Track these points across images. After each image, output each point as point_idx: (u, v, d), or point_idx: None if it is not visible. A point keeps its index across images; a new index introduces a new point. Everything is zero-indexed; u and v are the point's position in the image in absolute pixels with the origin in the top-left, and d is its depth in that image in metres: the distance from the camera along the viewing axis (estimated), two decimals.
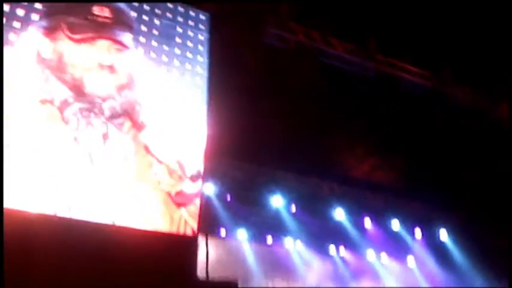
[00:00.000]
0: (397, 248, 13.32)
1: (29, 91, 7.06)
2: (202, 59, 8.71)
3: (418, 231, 13.23)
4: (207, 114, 8.49)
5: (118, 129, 7.59)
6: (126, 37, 7.96)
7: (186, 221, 8.00)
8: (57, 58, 7.39)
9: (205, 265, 8.91)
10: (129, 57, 7.93)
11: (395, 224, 12.74)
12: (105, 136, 7.42)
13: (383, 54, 9.60)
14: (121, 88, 7.67)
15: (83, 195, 7.14)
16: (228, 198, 9.98)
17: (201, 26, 8.93)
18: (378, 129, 10.51)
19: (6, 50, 7.04)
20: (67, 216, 6.95)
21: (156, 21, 8.59)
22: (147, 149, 7.75)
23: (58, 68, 7.33)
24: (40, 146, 6.95)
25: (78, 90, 7.32)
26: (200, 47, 8.80)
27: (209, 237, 9.21)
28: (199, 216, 8.21)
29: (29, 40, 7.35)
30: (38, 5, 7.57)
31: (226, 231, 10.84)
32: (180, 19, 8.78)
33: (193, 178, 8.04)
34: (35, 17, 7.50)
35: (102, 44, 7.63)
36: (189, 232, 8.10)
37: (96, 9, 7.78)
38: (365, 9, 9.03)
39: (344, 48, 9.16)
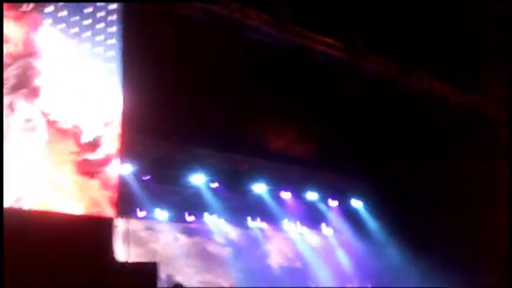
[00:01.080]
0: (314, 217, 13.68)
1: None
2: (115, 30, 8.29)
3: (333, 202, 13.61)
4: (121, 91, 8.15)
5: (24, 99, 7.24)
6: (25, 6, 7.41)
7: (99, 195, 7.74)
8: None
9: (124, 247, 8.60)
10: (28, 25, 7.43)
11: (312, 195, 13.02)
12: (11, 107, 7.03)
13: (298, 26, 9.56)
14: (18, 56, 7.24)
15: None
16: (147, 178, 9.62)
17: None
18: (293, 101, 10.55)
19: None
20: None
21: None
22: (46, 115, 7.40)
23: None
24: None
25: None
26: (112, 17, 8.33)
27: (128, 219, 8.89)
28: (118, 197, 7.98)
29: None
30: None
31: (146, 211, 10.53)
32: None
33: (93, 146, 7.74)
34: None
35: None
36: (106, 209, 7.84)
37: None
38: None
39: (260, 19, 9.03)
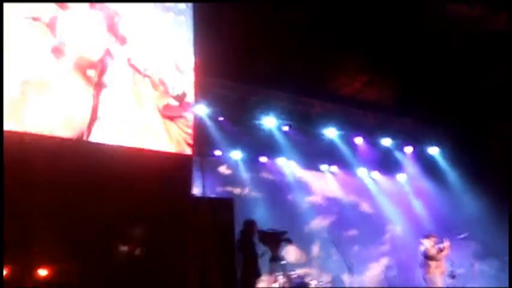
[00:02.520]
0: (388, 165, 13.61)
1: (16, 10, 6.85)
2: None
3: (408, 148, 13.44)
4: (195, 36, 8.45)
5: (119, 44, 7.71)
6: None
7: (179, 137, 8.16)
8: None
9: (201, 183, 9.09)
10: None
11: (386, 142, 12.91)
12: (108, 53, 7.54)
13: None
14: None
15: (83, 114, 7.26)
16: (221, 119, 10.01)
17: None
18: (368, 44, 10.39)
19: None
20: (68, 136, 7.10)
21: None
22: (129, 61, 7.82)
23: None
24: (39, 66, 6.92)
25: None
26: None
27: (204, 158, 9.35)
28: (194, 137, 8.37)
29: None
30: None
31: (221, 151, 10.99)
32: None
33: (177, 98, 8.12)
34: None
35: None
36: (184, 149, 8.28)
37: None
38: None
39: None
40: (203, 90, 9.09)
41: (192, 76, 8.54)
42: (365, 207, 13.39)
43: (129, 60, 7.84)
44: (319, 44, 10.17)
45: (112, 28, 7.76)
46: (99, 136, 7.38)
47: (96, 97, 7.37)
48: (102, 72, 7.51)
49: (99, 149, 7.36)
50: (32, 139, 6.73)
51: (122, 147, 7.62)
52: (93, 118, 7.29)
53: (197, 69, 8.58)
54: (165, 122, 8.11)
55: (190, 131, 8.38)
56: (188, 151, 8.35)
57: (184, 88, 8.42)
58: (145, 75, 7.96)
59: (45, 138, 6.84)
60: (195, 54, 8.57)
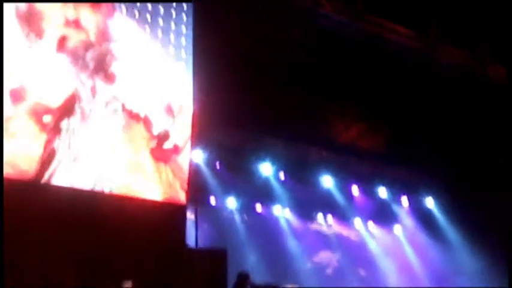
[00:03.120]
0: (384, 215, 13.39)
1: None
2: (186, 19, 8.52)
3: (404, 199, 13.27)
4: (193, 82, 8.34)
5: (104, 83, 7.47)
6: None
7: (172, 182, 7.90)
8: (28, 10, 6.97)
9: (194, 233, 8.80)
10: (103, 13, 7.66)
11: (382, 192, 12.75)
12: (93, 90, 7.28)
13: (371, 14, 9.41)
14: (93, 42, 7.46)
15: (73, 158, 6.98)
16: (217, 166, 9.80)
17: None
18: (365, 93, 10.38)
19: None
20: (56, 184, 6.79)
21: None
22: (121, 100, 7.60)
23: (28, 20, 6.91)
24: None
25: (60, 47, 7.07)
26: (184, 7, 8.57)
27: (198, 205, 9.09)
28: (188, 184, 8.15)
29: None
30: None
31: (216, 199, 10.73)
32: None
33: (158, 137, 7.90)
34: None
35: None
36: (178, 193, 8.00)
37: None
38: None
39: (332, 7, 8.96)
40: (199, 136, 8.90)
41: (187, 118, 8.30)
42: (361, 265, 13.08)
43: (116, 98, 7.59)
44: (314, 92, 10.13)
45: (101, 66, 7.58)
46: (65, 179, 6.94)
47: (50, 142, 6.99)
48: (61, 117, 7.19)
49: (73, 194, 6.95)
50: None
51: (114, 195, 7.31)
52: (47, 162, 6.85)
53: (195, 114, 8.38)
54: (157, 165, 7.83)
55: (183, 175, 8.10)
56: (182, 196, 8.05)
57: (171, 130, 8.14)
58: (135, 115, 7.72)
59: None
60: (194, 98, 8.37)
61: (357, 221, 13.25)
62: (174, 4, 8.45)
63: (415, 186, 13.19)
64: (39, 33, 6.91)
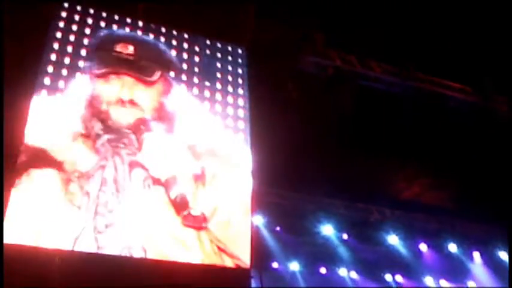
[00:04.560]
0: (456, 272, 12.87)
1: (75, 128, 7.31)
2: (243, 92, 8.87)
3: (476, 254, 12.76)
4: (250, 149, 8.49)
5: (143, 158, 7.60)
6: (152, 72, 8.09)
7: (212, 249, 7.87)
8: (90, 94, 7.64)
9: None
10: (158, 92, 8.05)
11: (453, 247, 12.33)
12: (131, 165, 7.48)
13: (422, 72, 9.50)
14: (148, 120, 7.76)
15: (109, 226, 7.02)
16: (278, 229, 9.89)
17: (239, 60, 9.13)
18: (425, 149, 10.29)
19: (58, 97, 7.42)
20: (95, 252, 6.77)
21: (196, 58, 8.85)
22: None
23: (90, 103, 7.58)
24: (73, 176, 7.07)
25: (105, 123, 7.53)
26: (240, 80, 8.98)
27: (262, 271, 9.10)
28: (252, 247, 8.06)
29: (77, 86, 7.65)
30: (83, 51, 7.92)
31: (278, 262, 10.74)
32: (218, 55, 9.01)
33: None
34: (81, 63, 7.85)
35: (123, 79, 7.82)
36: (223, 259, 7.84)
37: (119, 46, 8.03)
38: (399, 28, 9.04)
39: (382, 69, 9.13)
40: (259, 200, 9.05)
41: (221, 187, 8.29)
42: None
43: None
44: (374, 152, 10.15)
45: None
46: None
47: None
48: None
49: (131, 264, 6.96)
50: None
51: (164, 261, 7.10)
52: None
53: (253, 176, 8.43)
54: (192, 232, 7.65)
55: (222, 245, 7.92)
56: (228, 261, 7.89)
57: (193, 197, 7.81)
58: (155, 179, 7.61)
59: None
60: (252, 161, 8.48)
61: (428, 279, 12.80)
62: (230, 78, 8.92)
63: (485, 239, 12.65)
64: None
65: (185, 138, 8.04)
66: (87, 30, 8.15)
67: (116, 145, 7.47)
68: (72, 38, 7.97)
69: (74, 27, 8.10)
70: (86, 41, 7.98)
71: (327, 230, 10.65)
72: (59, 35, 7.96)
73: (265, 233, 9.67)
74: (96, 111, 7.55)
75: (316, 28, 8.95)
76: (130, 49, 8.09)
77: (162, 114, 7.99)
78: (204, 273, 7.31)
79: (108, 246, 6.86)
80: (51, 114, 7.32)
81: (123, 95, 7.74)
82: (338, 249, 10.88)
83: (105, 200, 7.14)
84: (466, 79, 9.70)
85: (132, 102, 7.76)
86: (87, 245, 6.76)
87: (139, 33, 8.55)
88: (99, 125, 7.49)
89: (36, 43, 7.70)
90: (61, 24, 8.08)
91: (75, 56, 7.82)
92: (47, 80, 7.49)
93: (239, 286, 7.71)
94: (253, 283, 8.36)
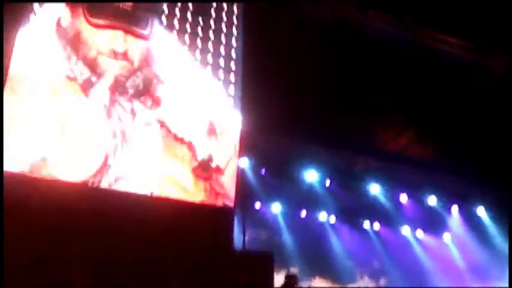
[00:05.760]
0: (433, 224, 13.23)
1: (55, 66, 7.12)
2: (236, 33, 8.73)
3: (455, 208, 13.08)
4: (241, 96, 8.48)
5: (143, 105, 7.66)
6: (147, 23, 7.95)
7: (216, 193, 8.11)
8: (74, 34, 7.43)
9: (242, 237, 9.00)
10: (151, 44, 7.93)
11: (432, 200, 12.61)
12: (132, 112, 7.53)
13: (420, 25, 9.36)
14: (137, 69, 7.70)
15: (119, 168, 7.27)
16: (263, 172, 10.01)
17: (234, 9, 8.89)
18: (414, 101, 10.31)
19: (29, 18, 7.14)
20: (105, 187, 7.10)
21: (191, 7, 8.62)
22: (163, 124, 7.79)
23: (74, 44, 7.36)
24: (72, 122, 7.07)
25: (94, 70, 7.39)
26: (234, 20, 8.80)
27: (245, 211, 9.29)
28: (236, 188, 8.27)
29: (51, 8, 7.37)
30: None
31: (261, 204, 10.94)
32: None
33: (203, 163, 7.99)
34: None
35: (117, 34, 7.65)
36: (220, 203, 8.18)
37: None
38: None
39: (381, 19, 8.98)
40: (246, 144, 9.10)
41: (231, 137, 8.42)
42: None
43: (162, 123, 7.84)
44: (362, 101, 10.15)
45: (148, 90, 7.92)
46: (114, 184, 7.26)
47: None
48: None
49: (123, 197, 7.21)
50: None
51: (161, 198, 7.53)
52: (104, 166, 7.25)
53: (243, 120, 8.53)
54: (197, 181, 7.91)
55: (223, 190, 8.18)
56: (219, 203, 8.21)
57: (214, 152, 8.17)
58: (180, 139, 7.89)
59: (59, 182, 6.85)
60: (241, 108, 8.57)
61: (405, 229, 13.16)
62: (224, 29, 8.68)
63: (464, 194, 12.95)
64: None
65: (184, 90, 8.03)
66: None
67: (113, 92, 7.39)
68: None
69: None
70: None
71: (311, 175, 10.79)
72: None
73: (250, 174, 9.78)
74: (82, 56, 7.33)
75: None
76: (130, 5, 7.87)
77: (149, 60, 7.88)
78: (192, 210, 7.63)
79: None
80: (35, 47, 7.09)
81: (117, 46, 7.59)
82: (320, 195, 11.06)
83: (115, 150, 7.25)
84: (465, 35, 9.58)
85: (125, 55, 7.63)
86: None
87: None
88: (87, 71, 7.33)
89: None
90: None
91: None
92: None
93: (223, 223, 8.05)
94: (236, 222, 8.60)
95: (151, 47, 7.97)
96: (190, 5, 8.51)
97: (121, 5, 7.83)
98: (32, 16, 7.22)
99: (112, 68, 7.56)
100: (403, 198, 12.30)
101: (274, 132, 9.84)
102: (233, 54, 8.61)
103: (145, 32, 7.94)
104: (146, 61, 7.89)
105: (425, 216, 12.95)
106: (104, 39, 7.60)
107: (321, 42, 9.21)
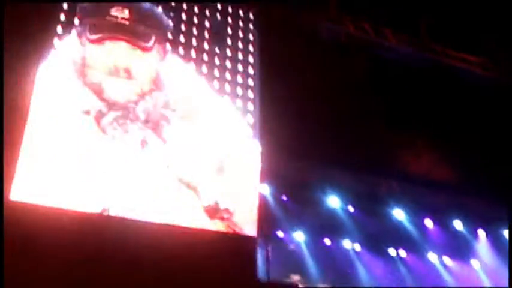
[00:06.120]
0: (460, 249, 12.84)
1: (70, 101, 7.19)
2: (253, 60, 8.71)
3: (481, 232, 12.71)
4: (259, 119, 8.39)
5: (155, 134, 7.55)
6: (149, 38, 7.90)
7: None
8: (81, 61, 7.46)
9: (265, 266, 8.74)
10: (155, 59, 7.91)
11: (458, 224, 12.28)
12: (143, 142, 7.43)
13: (437, 44, 9.28)
14: (146, 92, 7.65)
15: (133, 196, 7.20)
16: (284, 199, 9.83)
17: (250, 26, 8.93)
18: (436, 122, 10.14)
19: (50, 54, 7.23)
20: (121, 215, 7.02)
21: (207, 23, 8.66)
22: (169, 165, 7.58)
23: (82, 71, 7.39)
24: (85, 156, 7.06)
25: (102, 98, 7.35)
26: (251, 47, 8.81)
27: (268, 239, 9.08)
28: (259, 216, 8.09)
29: (68, 46, 7.47)
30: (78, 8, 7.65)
31: (284, 232, 10.72)
32: (229, 20, 8.81)
33: (210, 210, 7.79)
34: (76, 21, 7.61)
35: (118, 45, 7.63)
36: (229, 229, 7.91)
37: (114, 10, 7.75)
38: None
39: (397, 39, 8.92)
40: (267, 170, 8.96)
41: (252, 165, 8.26)
42: None
43: (169, 162, 7.63)
44: (383, 123, 10.01)
45: (157, 122, 7.70)
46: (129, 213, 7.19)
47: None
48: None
49: (141, 226, 7.13)
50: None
51: (175, 226, 7.37)
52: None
53: (262, 144, 8.40)
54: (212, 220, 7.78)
55: (236, 227, 7.98)
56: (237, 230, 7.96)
57: (222, 192, 7.88)
58: (186, 183, 7.65)
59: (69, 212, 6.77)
60: (260, 135, 8.46)
61: (432, 255, 12.79)
62: (241, 57, 8.68)
63: (492, 218, 12.57)
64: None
65: (198, 123, 7.88)
66: None
67: (124, 122, 7.33)
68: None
69: None
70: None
71: (333, 201, 10.59)
72: None
73: (271, 202, 9.60)
74: (89, 82, 7.35)
75: None
76: (126, 13, 7.77)
77: (159, 84, 7.83)
78: (214, 240, 7.52)
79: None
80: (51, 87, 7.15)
81: (119, 62, 7.54)
82: (343, 221, 10.82)
83: (123, 179, 7.13)
84: (483, 52, 9.47)
85: (128, 72, 7.56)
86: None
87: None
88: (96, 99, 7.27)
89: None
90: None
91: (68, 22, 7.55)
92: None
93: (246, 253, 7.83)
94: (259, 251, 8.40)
95: (162, 70, 7.92)
96: (206, 34, 8.59)
97: (119, 19, 7.74)
98: (52, 51, 7.33)
99: (119, 93, 7.48)
100: (428, 223, 11.98)
101: (294, 158, 9.69)
102: (250, 83, 8.60)
103: (148, 44, 7.86)
104: (156, 85, 7.81)
105: (451, 241, 12.59)
106: (105, 54, 7.54)
107: (338, 66, 9.15)
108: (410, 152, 10.82)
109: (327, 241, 11.64)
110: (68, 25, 7.57)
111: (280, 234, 10.74)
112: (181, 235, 7.34)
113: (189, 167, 7.63)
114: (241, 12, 8.91)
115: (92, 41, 7.55)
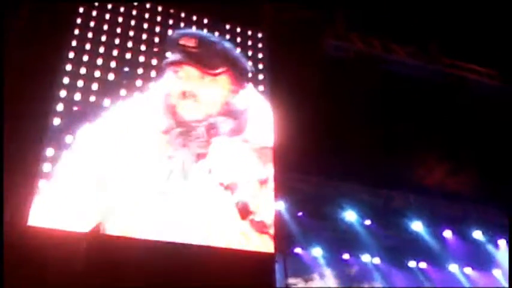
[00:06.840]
0: (481, 259, 12.69)
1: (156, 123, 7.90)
2: (263, 77, 8.91)
3: (502, 242, 12.57)
4: (273, 132, 8.58)
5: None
6: (216, 65, 8.56)
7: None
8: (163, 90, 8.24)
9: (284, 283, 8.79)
10: (223, 87, 8.47)
11: (478, 234, 12.17)
12: (199, 156, 7.89)
13: (445, 56, 9.36)
14: (210, 115, 8.20)
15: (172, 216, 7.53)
16: (300, 214, 9.88)
17: (259, 45, 9.14)
18: (448, 133, 10.16)
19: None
20: (153, 239, 7.32)
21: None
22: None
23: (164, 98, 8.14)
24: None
25: (175, 117, 8.01)
26: (260, 66, 8.99)
27: (286, 255, 9.12)
28: (275, 234, 8.20)
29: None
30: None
31: (301, 248, 10.72)
32: (238, 39, 9.03)
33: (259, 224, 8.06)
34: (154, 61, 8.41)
35: (187, 71, 8.27)
36: (263, 247, 8.07)
37: (183, 40, 8.57)
38: (422, 12, 8.92)
39: (406, 52, 9.02)
40: (282, 185, 9.06)
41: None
42: None
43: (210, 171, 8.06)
44: (396, 136, 10.07)
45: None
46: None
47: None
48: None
49: (166, 247, 7.41)
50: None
51: (200, 246, 7.63)
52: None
53: (276, 165, 8.57)
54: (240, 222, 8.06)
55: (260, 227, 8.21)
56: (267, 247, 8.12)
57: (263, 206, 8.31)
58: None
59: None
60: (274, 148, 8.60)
61: (453, 266, 12.65)
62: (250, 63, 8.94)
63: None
64: None
65: (253, 140, 8.43)
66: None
67: (185, 138, 7.92)
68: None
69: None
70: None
71: (350, 215, 10.59)
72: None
73: (287, 217, 9.65)
74: (167, 106, 8.05)
75: (336, 10, 8.87)
76: (194, 42, 8.53)
77: (228, 110, 8.30)
78: (229, 257, 7.66)
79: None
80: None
81: (188, 87, 8.20)
82: (361, 235, 10.79)
83: (171, 189, 7.58)
84: (491, 62, 9.52)
85: (195, 96, 8.19)
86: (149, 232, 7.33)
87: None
88: (171, 121, 7.95)
89: None
90: None
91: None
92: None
93: (265, 269, 7.92)
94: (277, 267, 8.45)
95: (229, 96, 8.41)
96: None
97: (188, 47, 8.53)
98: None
99: (188, 112, 8.03)
100: (447, 233, 11.89)
101: (309, 173, 9.79)
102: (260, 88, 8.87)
103: (214, 71, 8.53)
104: (225, 110, 8.34)
105: (472, 252, 12.44)
106: (176, 81, 8.27)
107: (351, 82, 9.27)
108: (424, 163, 10.84)
109: (346, 256, 11.58)
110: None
111: (298, 250, 10.74)
112: (202, 254, 7.57)
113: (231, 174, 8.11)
114: (249, 32, 9.12)
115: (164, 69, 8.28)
